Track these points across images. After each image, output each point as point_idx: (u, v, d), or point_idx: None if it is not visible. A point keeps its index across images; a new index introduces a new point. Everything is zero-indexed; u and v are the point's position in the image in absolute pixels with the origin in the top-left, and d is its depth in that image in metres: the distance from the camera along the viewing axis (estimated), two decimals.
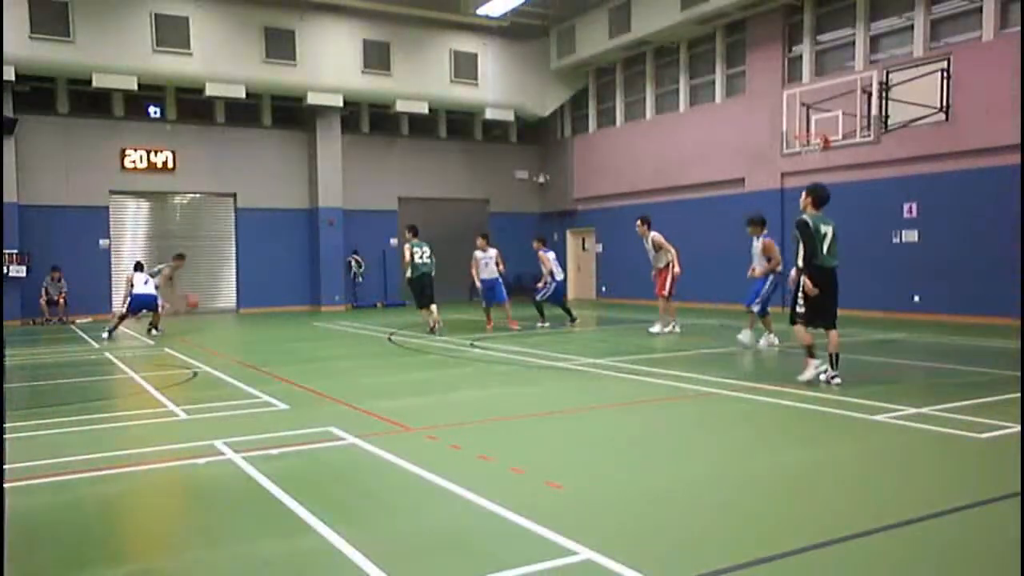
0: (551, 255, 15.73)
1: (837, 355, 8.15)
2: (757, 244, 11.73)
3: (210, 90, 20.33)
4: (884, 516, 4.13)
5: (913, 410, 6.81)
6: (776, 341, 11.62)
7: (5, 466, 5.09)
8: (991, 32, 15.10)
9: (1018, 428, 6.08)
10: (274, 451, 5.70)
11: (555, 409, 7.52)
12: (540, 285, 15.67)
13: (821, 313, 8.12)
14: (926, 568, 3.56)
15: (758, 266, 11.68)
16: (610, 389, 8.50)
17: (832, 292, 8.11)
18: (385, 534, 4.07)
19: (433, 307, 14.59)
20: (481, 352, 11.82)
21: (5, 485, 4.70)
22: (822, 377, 8.12)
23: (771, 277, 11.59)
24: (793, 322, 8.26)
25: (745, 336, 11.69)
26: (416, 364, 10.92)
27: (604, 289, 24.80)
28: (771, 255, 11.53)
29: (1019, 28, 14.79)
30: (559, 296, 15.96)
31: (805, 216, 8.08)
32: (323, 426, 6.49)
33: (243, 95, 20.85)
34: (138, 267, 16.17)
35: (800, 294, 8.07)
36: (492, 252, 15.46)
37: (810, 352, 8.23)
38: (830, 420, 6.68)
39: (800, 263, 8.03)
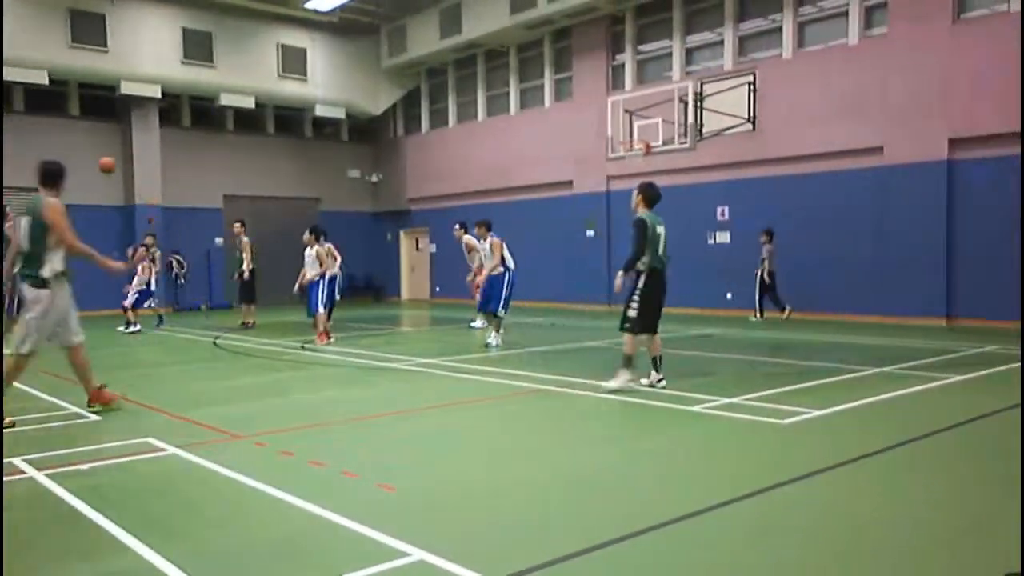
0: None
1: (660, 357, 8.05)
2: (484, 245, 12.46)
3: (6, 74, 18.56)
4: (697, 501, 4.40)
5: (726, 400, 7.31)
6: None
7: None
8: (790, 51, 16.45)
9: (816, 412, 6.68)
10: (83, 466, 5.29)
11: (389, 410, 7.47)
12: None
13: (653, 318, 7.93)
14: (735, 547, 3.82)
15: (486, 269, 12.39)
16: (443, 389, 8.54)
17: (663, 295, 7.99)
18: (208, 548, 3.88)
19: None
20: (312, 355, 11.54)
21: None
22: (644, 382, 7.99)
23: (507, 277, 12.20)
24: (623, 328, 7.90)
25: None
26: (244, 368, 10.49)
27: (438, 289, 24.88)
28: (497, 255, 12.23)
29: (816, 48, 16.23)
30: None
31: (643, 215, 7.95)
32: (140, 437, 6.10)
33: (46, 81, 19.20)
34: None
35: (636, 299, 7.83)
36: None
37: (629, 363, 7.85)
38: (652, 413, 7.04)
39: (637, 264, 7.80)
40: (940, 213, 14.49)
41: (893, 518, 4.16)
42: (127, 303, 15.29)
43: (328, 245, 14.93)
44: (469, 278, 14.43)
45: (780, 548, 3.78)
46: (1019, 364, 9.16)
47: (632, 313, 7.85)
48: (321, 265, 12.94)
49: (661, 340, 8.17)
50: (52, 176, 7.13)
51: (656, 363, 8.06)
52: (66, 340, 7.10)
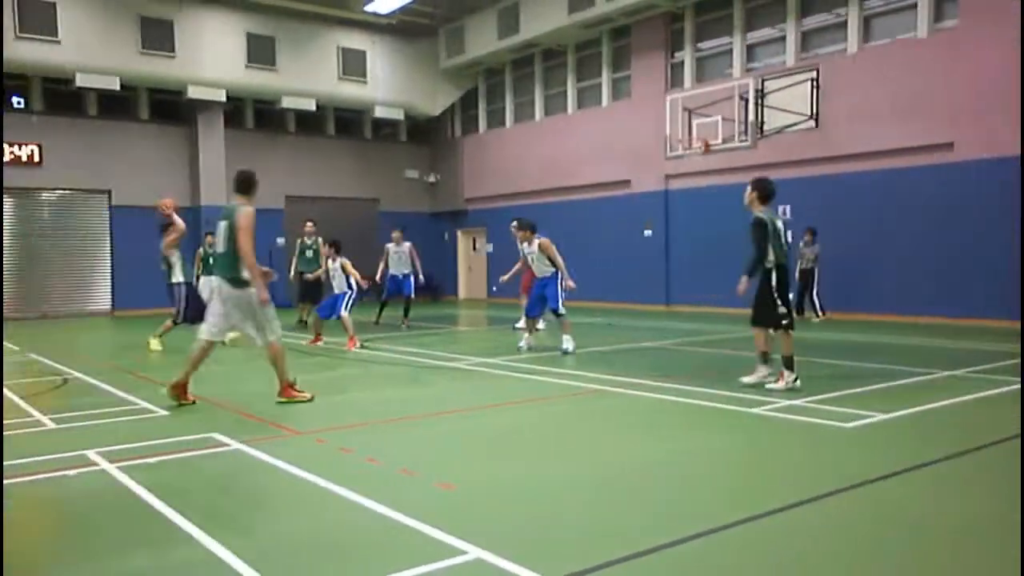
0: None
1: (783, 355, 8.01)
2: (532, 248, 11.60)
3: (80, 81, 19.25)
4: (760, 504, 4.32)
5: (786, 402, 7.17)
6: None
7: None
8: (855, 45, 16.05)
9: (882, 416, 6.50)
10: (152, 460, 5.46)
11: (446, 409, 7.52)
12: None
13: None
14: (796, 551, 3.75)
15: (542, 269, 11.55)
16: (502, 388, 8.56)
17: None
18: (269, 541, 3.96)
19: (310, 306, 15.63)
20: (371, 353, 11.68)
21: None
22: (749, 379, 8.06)
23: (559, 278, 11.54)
24: (781, 328, 7.93)
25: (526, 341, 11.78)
26: (304, 367, 10.64)
27: (495, 289, 24.93)
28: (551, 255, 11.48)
29: (882, 42, 15.79)
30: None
31: (760, 214, 7.92)
32: (205, 432, 6.26)
33: (117, 87, 19.87)
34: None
35: (778, 297, 7.86)
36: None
37: (790, 364, 7.89)
38: (713, 414, 6.94)
39: (767, 263, 7.84)
40: (1013, 211, 13.96)
41: (970, 525, 4.02)
42: None
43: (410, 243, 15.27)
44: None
45: (844, 555, 3.69)
46: None
47: (783, 310, 7.91)
48: (349, 276, 12.41)
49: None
50: (246, 184, 7.60)
51: (768, 359, 8.07)
52: (220, 334, 7.73)
